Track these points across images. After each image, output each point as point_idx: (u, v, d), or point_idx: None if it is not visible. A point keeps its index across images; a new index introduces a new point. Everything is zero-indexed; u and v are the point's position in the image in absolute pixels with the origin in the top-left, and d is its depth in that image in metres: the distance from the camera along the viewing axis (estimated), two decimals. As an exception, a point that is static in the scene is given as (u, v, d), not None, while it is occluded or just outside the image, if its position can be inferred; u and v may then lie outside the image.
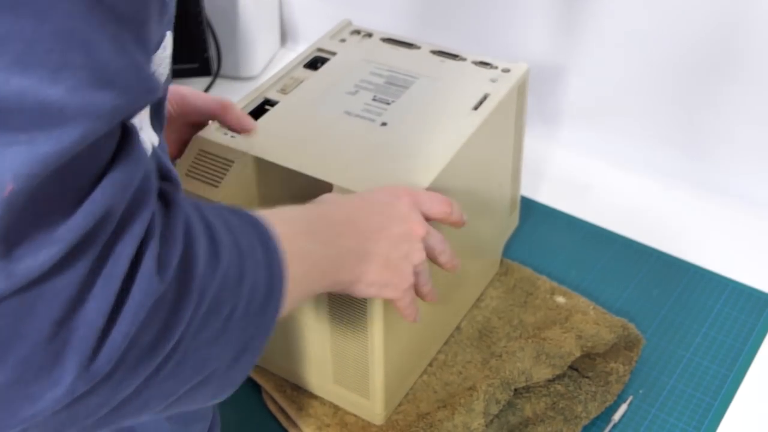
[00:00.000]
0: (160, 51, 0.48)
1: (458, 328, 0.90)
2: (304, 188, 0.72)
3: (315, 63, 0.89)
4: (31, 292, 0.37)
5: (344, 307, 0.73)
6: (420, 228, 0.66)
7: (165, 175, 0.51)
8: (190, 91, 0.75)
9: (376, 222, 0.64)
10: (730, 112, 1.07)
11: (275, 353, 0.83)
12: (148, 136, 0.52)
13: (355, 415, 0.82)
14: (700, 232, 1.07)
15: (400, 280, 0.65)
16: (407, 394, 0.83)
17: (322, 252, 0.59)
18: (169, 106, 0.74)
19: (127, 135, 0.41)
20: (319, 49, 0.90)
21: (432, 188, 0.72)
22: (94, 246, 0.39)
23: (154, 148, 0.51)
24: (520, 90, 0.86)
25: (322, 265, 0.59)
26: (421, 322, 0.71)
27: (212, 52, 1.32)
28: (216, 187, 0.74)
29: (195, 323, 0.44)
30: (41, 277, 0.37)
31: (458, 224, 0.71)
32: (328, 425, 0.80)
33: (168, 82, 0.53)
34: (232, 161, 0.75)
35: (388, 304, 0.70)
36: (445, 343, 0.88)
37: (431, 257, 0.68)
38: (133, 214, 0.41)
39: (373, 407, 0.79)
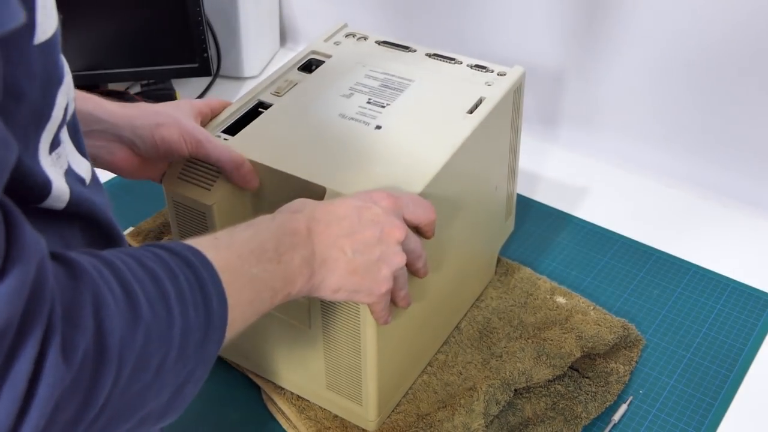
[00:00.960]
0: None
1: (458, 328, 0.90)
2: (298, 191, 0.72)
3: (309, 66, 0.88)
4: None
5: (337, 313, 0.73)
6: (398, 231, 0.64)
7: (108, 234, 0.52)
8: (206, 137, 0.74)
9: (345, 227, 0.63)
10: (729, 113, 1.07)
11: (268, 360, 0.83)
12: (78, 166, 0.51)
13: (355, 416, 0.82)
14: (700, 232, 1.07)
15: (372, 285, 0.64)
16: (407, 394, 0.83)
17: (272, 270, 0.57)
18: (183, 148, 0.73)
19: (10, 228, 0.39)
20: (314, 52, 0.90)
21: (426, 192, 0.71)
22: None
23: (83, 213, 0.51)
24: (516, 94, 0.86)
25: (272, 283, 0.58)
26: (415, 327, 0.70)
27: (212, 52, 1.32)
28: (208, 190, 0.74)
29: (120, 385, 0.44)
30: None
31: (429, 236, 0.70)
32: (328, 428, 0.80)
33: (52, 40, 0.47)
34: None
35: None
36: (445, 343, 0.88)
37: (408, 262, 0.67)
38: (32, 313, 0.40)
39: (366, 414, 0.79)
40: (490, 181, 0.88)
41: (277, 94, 0.83)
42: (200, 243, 0.54)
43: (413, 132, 0.78)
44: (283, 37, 1.49)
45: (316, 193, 0.71)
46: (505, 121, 0.86)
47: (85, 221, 0.54)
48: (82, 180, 0.53)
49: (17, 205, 0.41)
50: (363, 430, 0.81)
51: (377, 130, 0.78)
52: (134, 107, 0.76)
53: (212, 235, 0.56)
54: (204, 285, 0.50)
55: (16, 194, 0.43)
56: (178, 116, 0.75)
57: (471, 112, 0.80)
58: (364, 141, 0.76)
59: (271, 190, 0.75)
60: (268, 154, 0.75)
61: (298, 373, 0.82)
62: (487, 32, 1.21)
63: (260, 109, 0.82)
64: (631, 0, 1.07)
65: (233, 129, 0.79)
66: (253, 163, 0.75)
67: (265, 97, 0.83)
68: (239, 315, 0.54)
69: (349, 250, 0.62)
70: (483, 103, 0.81)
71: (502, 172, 0.90)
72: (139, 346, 0.45)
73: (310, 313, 0.75)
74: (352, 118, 0.79)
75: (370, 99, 0.81)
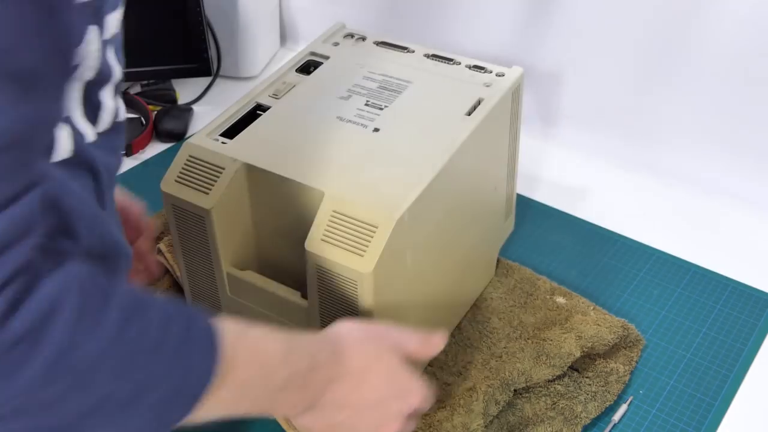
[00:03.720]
0: (83, 45, 0.49)
1: (458, 328, 0.90)
2: (296, 195, 0.72)
3: (308, 67, 0.88)
4: None
5: (336, 304, 0.72)
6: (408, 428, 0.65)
7: (107, 244, 0.53)
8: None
9: (366, 415, 0.63)
10: (730, 113, 1.07)
11: None
12: (82, 127, 0.52)
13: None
14: (701, 232, 1.07)
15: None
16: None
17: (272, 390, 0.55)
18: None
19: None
20: (312, 53, 0.90)
21: (425, 194, 0.71)
22: None
23: (96, 215, 0.53)
24: (515, 94, 0.86)
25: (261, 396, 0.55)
26: (416, 326, 0.70)
27: (212, 52, 1.32)
28: (206, 194, 0.73)
29: (46, 392, 0.42)
30: None
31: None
32: (328, 426, 0.80)
33: (107, 71, 0.53)
34: (223, 168, 0.74)
35: (380, 301, 0.70)
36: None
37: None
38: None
39: None
40: (489, 182, 0.88)
41: (275, 96, 0.83)
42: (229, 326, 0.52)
43: (412, 134, 0.78)
44: (283, 37, 1.49)
45: (315, 197, 0.71)
46: (504, 121, 0.86)
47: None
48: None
49: None
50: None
51: (375, 132, 0.78)
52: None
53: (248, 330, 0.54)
54: (196, 344, 0.49)
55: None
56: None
57: (470, 113, 0.80)
58: (362, 144, 0.76)
59: (269, 194, 0.75)
60: (265, 158, 0.74)
61: None
62: (485, 32, 1.21)
63: (258, 112, 0.82)
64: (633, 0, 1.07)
65: (231, 132, 0.79)
66: (251, 167, 0.74)
67: (263, 100, 0.83)
68: (232, 392, 0.51)
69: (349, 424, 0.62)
70: (481, 105, 0.81)
71: (502, 173, 0.90)
72: (81, 364, 0.43)
73: (308, 309, 0.75)
74: (350, 121, 0.79)
75: (368, 101, 0.81)
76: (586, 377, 0.85)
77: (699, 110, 1.09)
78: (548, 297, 0.93)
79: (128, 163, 1.24)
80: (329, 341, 0.62)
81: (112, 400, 0.45)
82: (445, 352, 0.87)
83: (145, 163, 1.24)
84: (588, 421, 0.82)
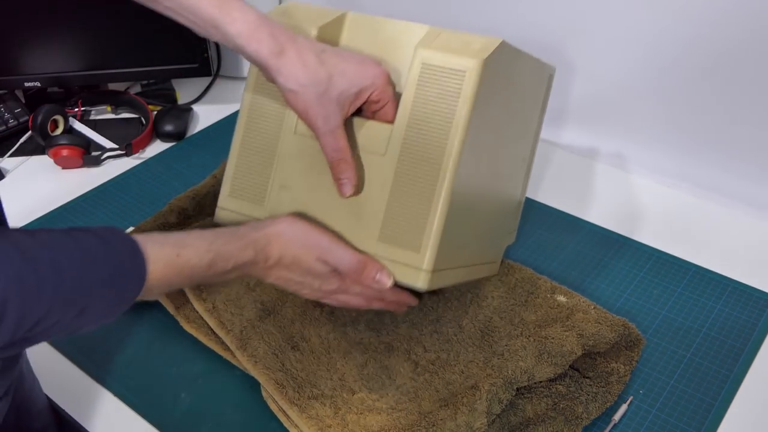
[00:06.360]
0: None
1: (460, 326, 0.90)
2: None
3: None
4: None
5: (420, 141, 0.74)
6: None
7: None
8: (323, 125, 0.75)
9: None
10: (730, 113, 1.07)
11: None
12: None
13: (356, 414, 0.82)
14: (700, 232, 1.07)
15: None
16: (408, 393, 0.83)
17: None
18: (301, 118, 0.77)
19: None
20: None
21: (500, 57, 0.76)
22: None
23: None
24: (549, 84, 0.90)
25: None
26: (472, 210, 0.78)
27: (212, 52, 1.32)
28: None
29: None
30: None
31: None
32: (329, 426, 0.80)
33: None
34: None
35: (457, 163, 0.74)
36: (447, 341, 0.88)
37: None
38: None
39: (422, 263, 0.75)
40: (519, 152, 0.91)
41: None
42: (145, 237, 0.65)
43: None
44: (283, 37, 1.49)
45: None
46: (537, 105, 0.92)
47: None
48: None
49: None
50: (365, 427, 0.80)
51: None
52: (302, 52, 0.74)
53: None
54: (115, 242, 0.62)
55: None
56: (320, 92, 0.73)
57: None
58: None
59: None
60: None
61: (350, 222, 0.79)
62: (489, 30, 1.21)
63: None
64: (632, 1, 1.07)
65: None
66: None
67: None
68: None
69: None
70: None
71: (525, 152, 0.93)
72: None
73: (389, 141, 0.76)
74: None
75: None
76: (587, 377, 0.85)
77: (699, 111, 1.09)
78: (549, 296, 0.93)
79: (128, 163, 1.24)
80: (256, 241, 0.73)
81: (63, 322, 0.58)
82: (446, 350, 0.87)
83: (146, 163, 1.24)
84: (589, 422, 0.82)
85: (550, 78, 0.93)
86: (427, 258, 0.76)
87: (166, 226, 1.03)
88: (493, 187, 0.87)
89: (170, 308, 0.93)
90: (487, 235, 0.90)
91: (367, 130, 0.78)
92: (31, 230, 0.58)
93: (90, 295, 0.59)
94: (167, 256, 0.65)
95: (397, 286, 0.77)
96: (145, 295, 0.64)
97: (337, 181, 0.77)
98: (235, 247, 0.72)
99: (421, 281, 0.76)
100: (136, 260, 0.62)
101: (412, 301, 0.85)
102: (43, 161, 1.25)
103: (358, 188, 0.77)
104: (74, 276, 0.58)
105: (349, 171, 0.76)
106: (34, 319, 0.55)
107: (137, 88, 1.42)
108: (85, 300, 0.59)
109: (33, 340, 0.57)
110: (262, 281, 0.77)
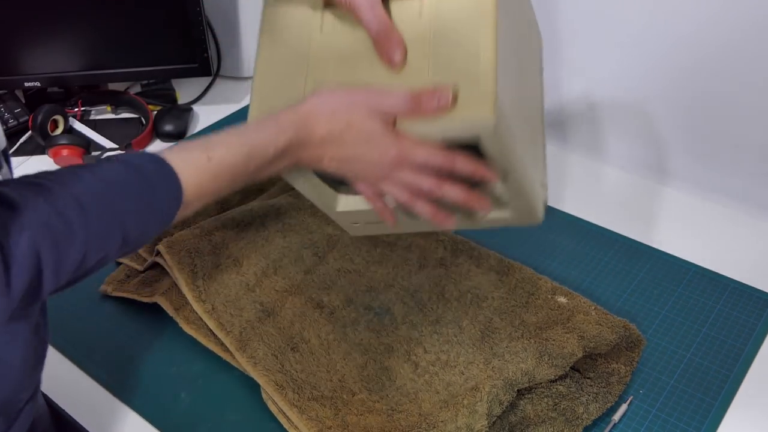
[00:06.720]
0: None
1: (460, 327, 0.90)
2: None
3: None
4: None
5: (454, 21, 0.72)
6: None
7: None
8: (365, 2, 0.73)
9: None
10: (730, 113, 1.07)
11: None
12: None
13: (356, 416, 0.81)
14: (700, 232, 1.07)
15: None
16: (409, 394, 0.83)
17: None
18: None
19: None
20: None
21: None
22: None
23: None
24: (541, 53, 0.90)
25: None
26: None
27: (212, 52, 1.32)
28: None
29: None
30: None
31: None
32: (329, 427, 0.80)
33: None
34: None
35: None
36: (447, 342, 0.88)
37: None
38: None
39: (483, 92, 0.69)
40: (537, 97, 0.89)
41: None
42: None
43: None
44: (283, 37, 1.49)
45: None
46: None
47: None
48: None
49: None
50: (365, 428, 0.80)
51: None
52: None
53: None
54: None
55: None
56: None
57: None
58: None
59: None
60: None
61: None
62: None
63: None
64: (632, 1, 1.07)
65: None
66: None
67: None
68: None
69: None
70: None
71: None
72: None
73: (421, 6, 0.74)
74: None
75: None
76: (588, 378, 0.85)
77: (698, 110, 1.09)
78: (550, 297, 0.93)
79: (128, 163, 1.24)
80: (294, 121, 0.69)
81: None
82: (446, 351, 0.87)
83: (145, 163, 1.24)
84: (589, 422, 0.82)
85: (540, 46, 0.90)
86: (488, 84, 0.69)
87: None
88: (524, 88, 0.82)
89: (169, 310, 0.92)
90: (531, 132, 0.84)
91: (398, 6, 0.75)
92: (51, 171, 0.57)
93: (125, 223, 0.58)
94: (197, 161, 0.63)
95: (463, 149, 0.72)
96: (187, 208, 0.63)
97: (386, 52, 0.73)
98: (271, 132, 0.68)
99: (486, 108, 0.68)
100: (166, 177, 0.61)
101: (490, 175, 0.73)
102: (43, 161, 1.25)
103: (405, 57, 0.73)
104: (102, 211, 0.56)
105: (395, 36, 0.72)
106: (75, 262, 0.54)
107: (137, 88, 1.42)
108: (123, 229, 0.57)
109: (91, 272, 0.57)
110: (319, 169, 0.72)
